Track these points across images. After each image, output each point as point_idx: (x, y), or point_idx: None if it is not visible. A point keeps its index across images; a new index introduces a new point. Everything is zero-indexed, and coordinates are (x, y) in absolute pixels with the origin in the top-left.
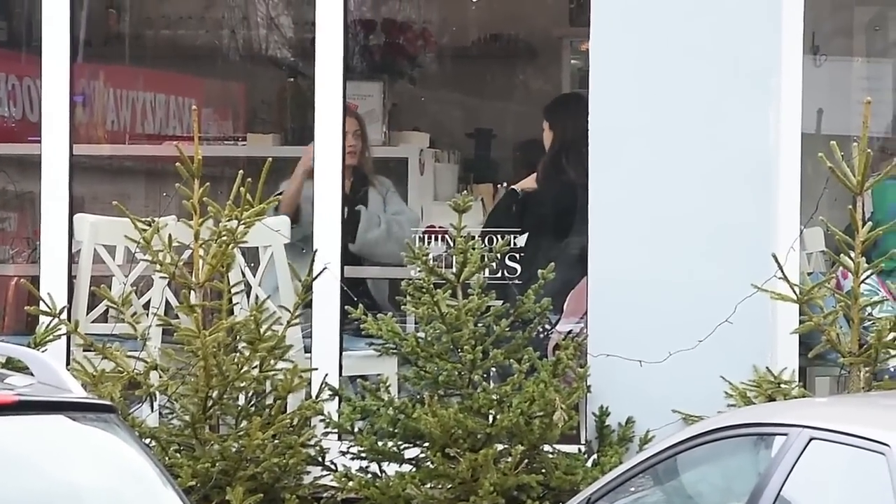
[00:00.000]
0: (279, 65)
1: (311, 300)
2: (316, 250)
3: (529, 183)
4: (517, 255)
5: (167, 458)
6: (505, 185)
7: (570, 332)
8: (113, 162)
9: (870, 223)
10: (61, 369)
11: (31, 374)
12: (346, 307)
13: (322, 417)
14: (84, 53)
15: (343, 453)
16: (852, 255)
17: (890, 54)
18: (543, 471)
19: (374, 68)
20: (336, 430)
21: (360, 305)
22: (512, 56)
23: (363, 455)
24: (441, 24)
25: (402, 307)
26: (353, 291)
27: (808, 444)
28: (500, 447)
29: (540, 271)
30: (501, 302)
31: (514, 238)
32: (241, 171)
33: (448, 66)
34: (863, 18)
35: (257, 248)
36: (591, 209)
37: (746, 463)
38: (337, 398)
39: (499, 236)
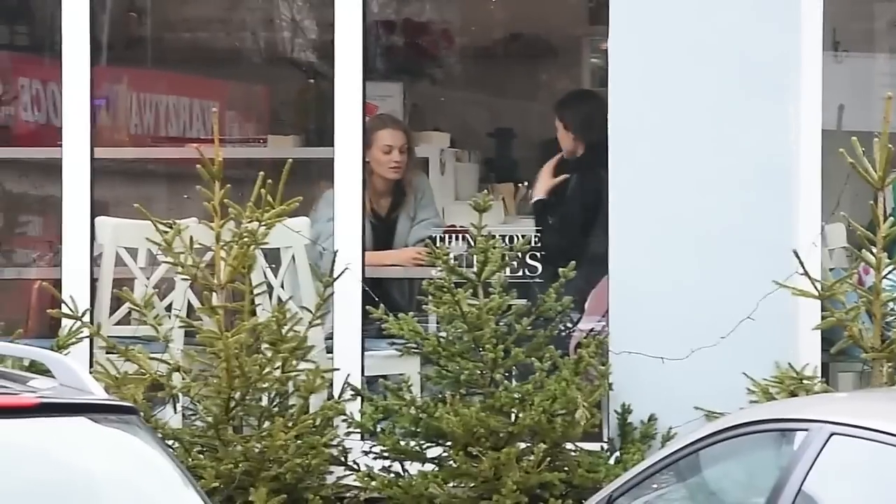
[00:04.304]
0: (301, 67)
1: (333, 301)
2: (336, 251)
3: (548, 183)
4: (538, 254)
5: (190, 460)
6: (526, 184)
7: (591, 330)
8: (135, 165)
9: (891, 218)
10: (83, 372)
11: (53, 377)
12: (367, 307)
13: (344, 418)
14: (106, 57)
15: (366, 453)
16: (874, 250)
17: None
18: (566, 469)
19: (395, 69)
20: (358, 430)
21: (382, 305)
22: (532, 55)
23: (386, 455)
24: (461, 24)
25: (424, 307)
26: (374, 291)
27: (828, 439)
28: (522, 446)
29: (561, 270)
30: (524, 301)
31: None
32: (261, 173)
33: (468, 65)
34: (884, 15)
35: (279, 249)
36: (611, 208)
37: (767, 459)
38: (359, 398)
39: (520, 235)
